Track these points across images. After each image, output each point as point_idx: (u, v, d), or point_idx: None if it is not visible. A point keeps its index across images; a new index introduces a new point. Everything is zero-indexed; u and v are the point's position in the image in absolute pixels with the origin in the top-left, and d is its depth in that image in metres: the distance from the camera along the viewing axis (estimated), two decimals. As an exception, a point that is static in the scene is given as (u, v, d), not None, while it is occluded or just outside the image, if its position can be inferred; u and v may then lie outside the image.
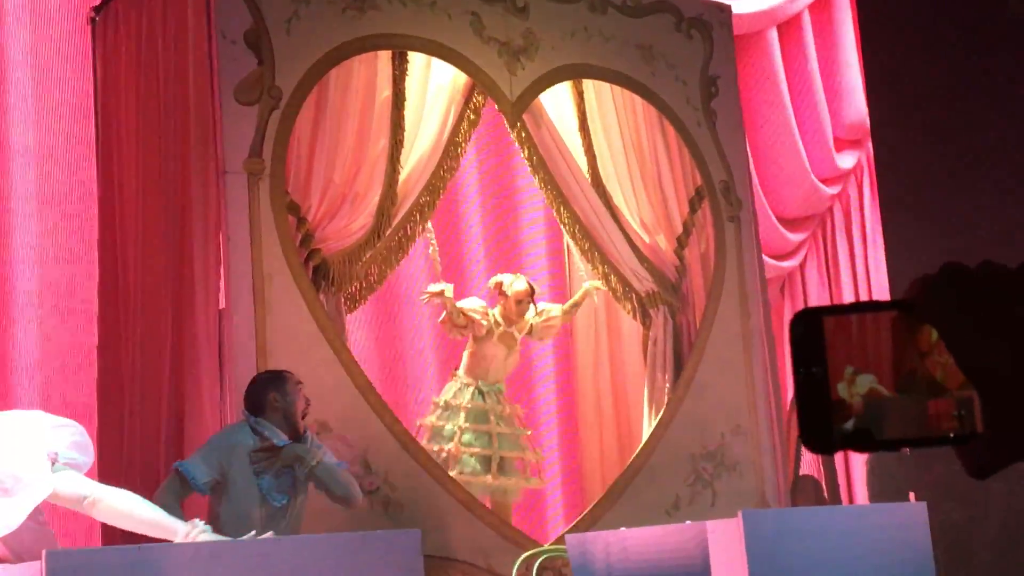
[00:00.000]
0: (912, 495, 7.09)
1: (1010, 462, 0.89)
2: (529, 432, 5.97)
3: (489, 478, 5.58)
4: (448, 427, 5.68)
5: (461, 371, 5.90)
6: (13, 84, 5.49)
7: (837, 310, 0.92)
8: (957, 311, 0.88)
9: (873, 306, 0.92)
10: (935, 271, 0.91)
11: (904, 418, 0.90)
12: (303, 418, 4.53)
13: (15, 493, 3.43)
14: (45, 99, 5.57)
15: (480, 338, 5.86)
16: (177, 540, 3.40)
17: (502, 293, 5.95)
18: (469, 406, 5.75)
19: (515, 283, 5.97)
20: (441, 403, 5.83)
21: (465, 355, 5.93)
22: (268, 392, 4.50)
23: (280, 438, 4.43)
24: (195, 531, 3.49)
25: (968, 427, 0.89)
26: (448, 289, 5.73)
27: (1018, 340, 0.87)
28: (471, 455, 5.63)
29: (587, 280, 6.28)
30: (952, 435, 0.89)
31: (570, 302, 6.28)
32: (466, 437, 5.71)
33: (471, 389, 5.80)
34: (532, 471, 5.93)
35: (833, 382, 0.90)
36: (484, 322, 5.82)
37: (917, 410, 0.90)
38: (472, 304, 5.88)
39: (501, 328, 5.89)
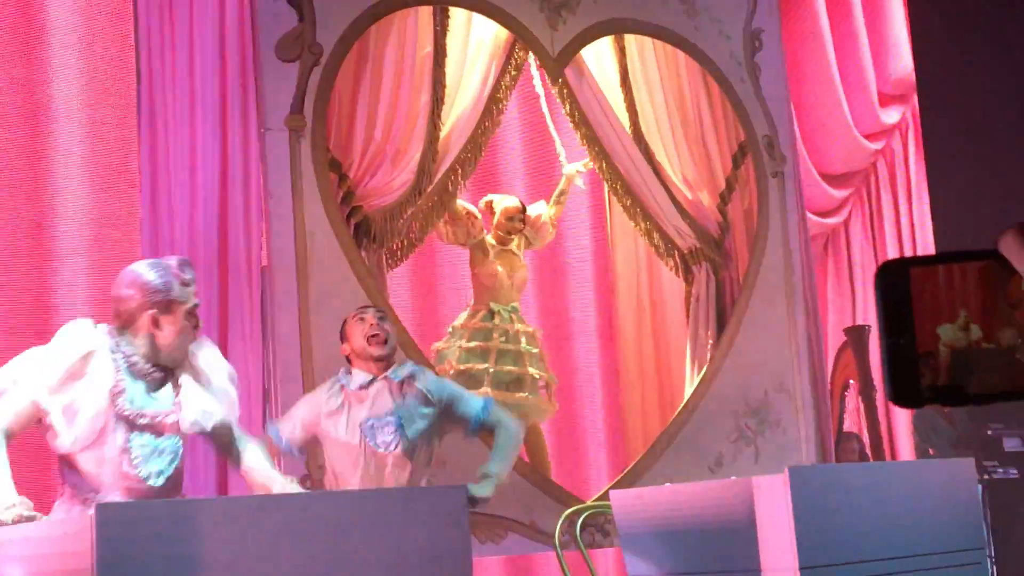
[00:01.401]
0: (931, 451, 7.06)
1: None
2: (536, 350, 5.83)
3: (487, 389, 5.48)
4: (451, 349, 5.67)
5: (471, 299, 5.91)
6: (58, 45, 5.49)
7: (924, 261, 0.89)
8: None
9: (962, 256, 0.88)
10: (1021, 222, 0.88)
11: (994, 371, 0.87)
12: (380, 343, 4.20)
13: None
14: (89, 58, 5.57)
15: (476, 259, 5.85)
16: (275, 490, 3.50)
17: (492, 212, 5.94)
18: (475, 326, 5.73)
19: (505, 200, 5.97)
20: (450, 329, 5.83)
21: (472, 283, 5.95)
22: (342, 341, 4.31)
23: (353, 381, 4.21)
24: (290, 483, 3.60)
25: None
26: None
27: None
28: (462, 371, 5.55)
29: (565, 166, 6.20)
30: None
31: (555, 193, 6.19)
32: (463, 356, 5.67)
33: (481, 312, 5.78)
34: (540, 391, 5.80)
35: (920, 334, 0.87)
36: (476, 231, 5.80)
37: (1006, 361, 0.87)
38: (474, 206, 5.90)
39: (496, 248, 5.88)
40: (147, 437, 3.42)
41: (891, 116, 8.73)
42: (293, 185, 5.06)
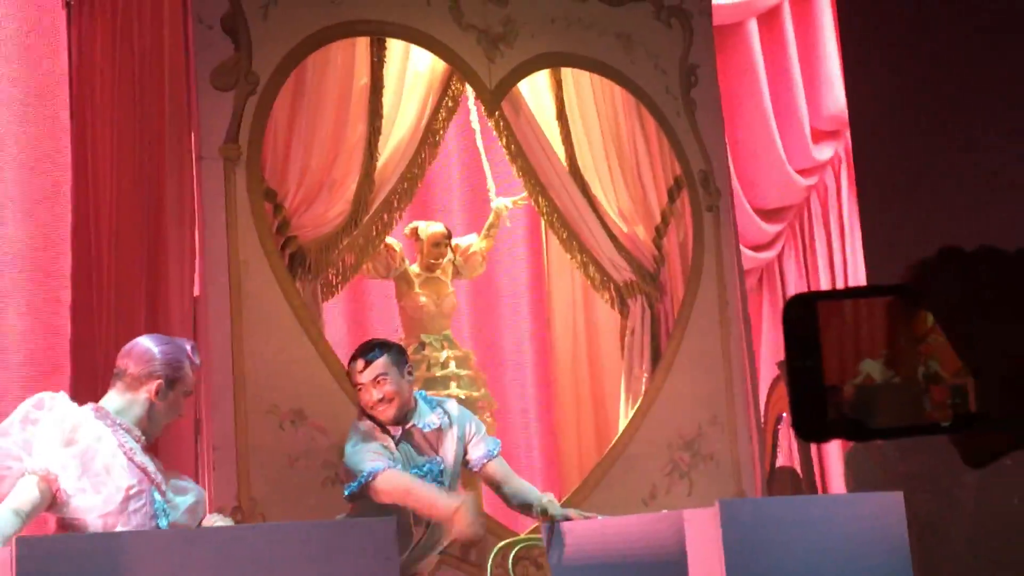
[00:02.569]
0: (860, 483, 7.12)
1: (1009, 450, 0.87)
2: (466, 373, 5.81)
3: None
4: None
5: (401, 332, 5.89)
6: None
7: (832, 295, 0.89)
8: (954, 295, 0.86)
9: (868, 291, 0.89)
10: (931, 254, 0.89)
11: (898, 406, 0.88)
12: (387, 405, 4.08)
13: None
14: (18, 83, 5.51)
15: (401, 291, 5.86)
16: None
17: (418, 239, 5.94)
18: None
19: (431, 226, 5.98)
20: None
21: (400, 316, 5.93)
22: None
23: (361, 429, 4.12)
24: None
25: (964, 415, 0.86)
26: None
27: (1016, 324, 0.85)
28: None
29: (494, 200, 6.22)
30: (948, 423, 0.87)
31: (485, 227, 6.24)
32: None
33: (412, 345, 5.75)
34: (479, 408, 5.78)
35: (827, 368, 0.88)
36: (396, 263, 5.77)
37: (912, 397, 0.88)
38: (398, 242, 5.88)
39: (423, 276, 5.86)
40: (157, 495, 3.47)
41: (824, 152, 8.84)
42: (227, 214, 5.03)
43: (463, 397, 5.70)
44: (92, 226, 5.32)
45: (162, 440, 4.83)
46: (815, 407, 0.87)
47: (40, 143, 5.53)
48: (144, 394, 3.54)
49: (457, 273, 6.07)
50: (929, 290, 0.86)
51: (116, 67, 5.31)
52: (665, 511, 4.24)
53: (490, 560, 4.64)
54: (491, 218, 6.22)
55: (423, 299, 5.84)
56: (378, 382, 4.07)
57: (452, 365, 5.79)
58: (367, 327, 6.35)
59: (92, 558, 2.60)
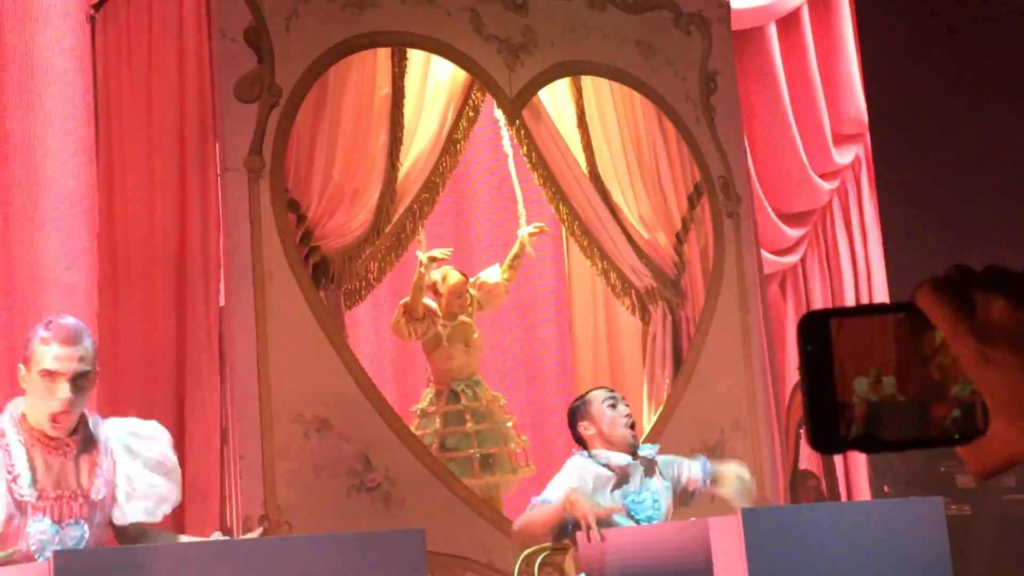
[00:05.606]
0: (886, 488, 7.12)
1: (1012, 465, 0.90)
2: (510, 422, 5.86)
3: (472, 480, 5.55)
4: (427, 437, 5.67)
5: (431, 379, 5.90)
6: (12, 82, 5.49)
7: (844, 312, 0.93)
8: (962, 313, 0.89)
9: (880, 309, 0.93)
10: (940, 272, 0.91)
11: (908, 420, 0.91)
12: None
13: None
14: (44, 97, 5.57)
15: (429, 347, 5.84)
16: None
17: (438, 294, 5.89)
18: (444, 411, 5.75)
19: (449, 277, 5.90)
20: (418, 412, 5.84)
21: (429, 365, 5.93)
22: (576, 424, 4.60)
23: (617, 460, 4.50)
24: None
25: (971, 429, 0.90)
26: (435, 254, 5.70)
27: (1022, 343, 0.87)
28: (449, 459, 5.59)
29: (521, 228, 6.17)
30: (955, 437, 0.91)
31: (508, 258, 6.16)
32: (449, 441, 5.69)
33: (445, 392, 5.78)
34: (518, 460, 5.86)
35: (839, 384, 0.91)
36: (435, 327, 5.78)
37: (920, 412, 0.91)
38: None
39: (448, 327, 5.85)
40: (46, 523, 3.24)
41: (845, 156, 8.84)
42: (252, 225, 5.07)
43: (519, 451, 5.83)
44: (119, 238, 5.37)
45: (188, 448, 4.89)
46: (829, 421, 0.91)
47: (65, 156, 5.59)
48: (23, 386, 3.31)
49: (479, 307, 6.05)
50: (937, 308, 0.89)
51: (140, 81, 5.36)
52: (692, 519, 4.26)
53: (516, 567, 4.67)
54: (516, 248, 6.14)
55: (455, 356, 5.83)
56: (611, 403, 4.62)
57: (495, 416, 5.80)
58: (390, 336, 6.37)
59: (126, 571, 2.63)
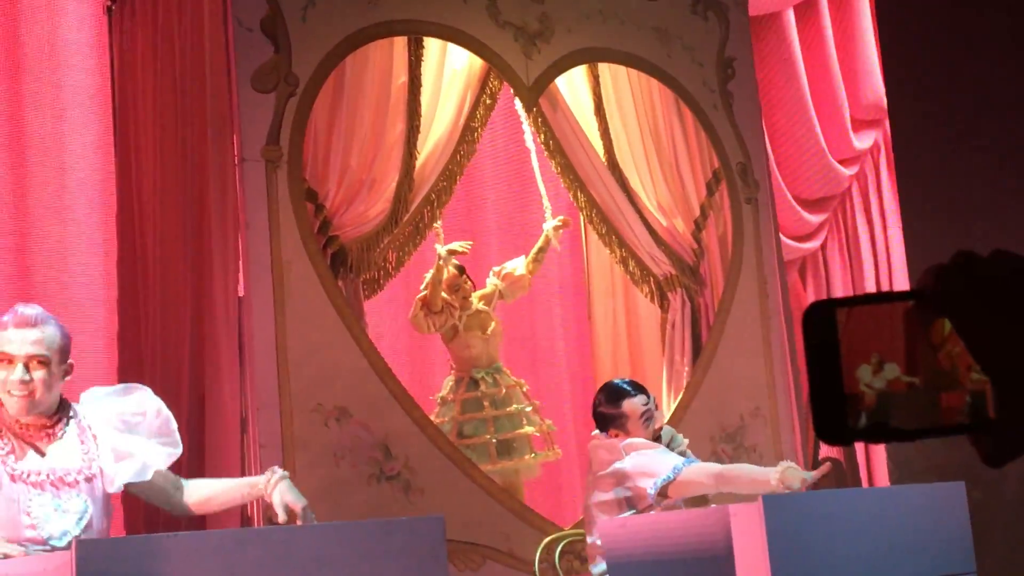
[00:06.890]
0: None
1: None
2: (529, 407, 5.82)
3: (489, 465, 5.53)
4: (446, 424, 5.67)
5: (453, 367, 5.90)
6: (31, 72, 5.50)
7: (850, 302, 0.92)
8: (969, 300, 0.88)
9: (887, 297, 0.92)
10: (947, 260, 0.90)
11: (917, 409, 0.90)
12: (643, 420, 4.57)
13: None
14: (62, 87, 5.58)
15: (447, 337, 5.84)
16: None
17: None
18: (463, 398, 5.74)
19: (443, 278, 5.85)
20: (438, 400, 5.84)
21: (449, 354, 5.92)
22: (609, 416, 4.60)
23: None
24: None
25: (981, 417, 0.89)
26: (455, 247, 5.68)
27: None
28: (466, 446, 5.58)
29: (547, 222, 6.12)
30: (965, 425, 0.90)
31: (533, 251, 6.11)
32: (467, 428, 5.68)
33: (465, 380, 5.77)
34: (540, 445, 5.84)
35: (846, 374, 0.90)
36: (455, 319, 5.77)
37: (930, 401, 0.90)
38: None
39: (464, 317, 5.82)
40: (47, 497, 3.30)
41: (864, 141, 8.80)
42: (270, 215, 5.07)
43: (538, 434, 5.76)
44: (136, 228, 5.38)
45: (209, 437, 4.90)
46: (836, 412, 0.90)
47: (83, 146, 5.60)
48: None
49: (501, 297, 6.03)
50: (944, 296, 0.88)
51: (157, 71, 5.37)
52: (713, 506, 4.26)
53: (537, 555, 4.67)
54: (541, 241, 6.09)
55: (473, 344, 5.81)
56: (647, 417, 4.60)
57: (514, 401, 5.76)
58: (409, 325, 6.37)
59: (148, 559, 2.64)
